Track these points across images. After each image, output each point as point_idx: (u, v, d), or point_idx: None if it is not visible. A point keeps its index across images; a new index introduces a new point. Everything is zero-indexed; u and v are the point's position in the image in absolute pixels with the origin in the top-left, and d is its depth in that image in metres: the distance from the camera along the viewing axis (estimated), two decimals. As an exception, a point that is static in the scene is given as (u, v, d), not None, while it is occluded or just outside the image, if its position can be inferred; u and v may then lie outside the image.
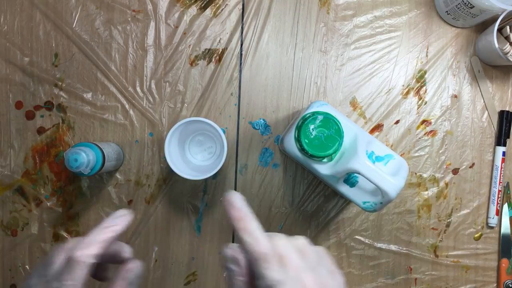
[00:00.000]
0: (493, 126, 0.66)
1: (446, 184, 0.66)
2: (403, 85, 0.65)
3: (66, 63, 0.65)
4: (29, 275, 0.35)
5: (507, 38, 0.62)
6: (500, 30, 0.62)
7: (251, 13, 0.65)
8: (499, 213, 0.65)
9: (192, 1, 0.65)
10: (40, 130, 0.65)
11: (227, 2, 0.65)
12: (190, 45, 0.65)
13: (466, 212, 0.66)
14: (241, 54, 0.65)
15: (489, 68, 0.65)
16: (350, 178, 0.53)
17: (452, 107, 0.66)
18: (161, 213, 0.65)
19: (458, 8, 0.61)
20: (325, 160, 0.51)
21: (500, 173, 0.64)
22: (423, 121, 0.65)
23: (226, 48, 0.65)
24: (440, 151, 0.66)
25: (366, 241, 0.66)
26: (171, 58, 0.65)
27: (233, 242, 0.65)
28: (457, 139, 0.66)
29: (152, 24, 0.65)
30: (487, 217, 0.65)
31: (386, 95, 0.65)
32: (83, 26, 0.65)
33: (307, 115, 0.50)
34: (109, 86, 0.65)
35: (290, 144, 0.52)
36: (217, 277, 0.65)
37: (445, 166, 0.66)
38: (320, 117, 0.49)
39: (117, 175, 0.65)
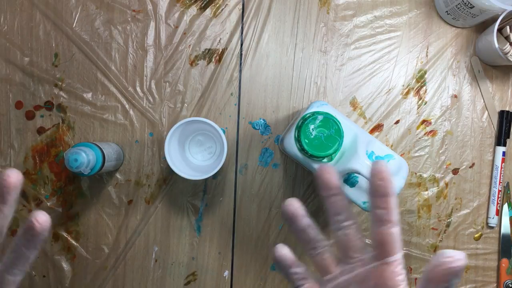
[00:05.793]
0: (493, 126, 0.66)
1: (446, 184, 0.66)
2: (403, 85, 0.65)
3: (66, 63, 0.65)
4: None
5: (507, 38, 0.62)
6: (500, 30, 0.62)
7: (251, 13, 0.65)
8: (499, 213, 0.65)
9: (192, 1, 0.65)
10: (40, 130, 0.65)
11: (227, 2, 0.65)
12: (190, 45, 0.65)
13: (466, 212, 0.66)
14: (241, 54, 0.65)
15: (489, 68, 0.65)
16: (350, 178, 0.53)
17: (452, 107, 0.66)
18: (161, 213, 0.65)
19: (458, 8, 0.61)
20: (325, 160, 0.51)
21: (500, 173, 0.64)
22: (423, 121, 0.65)
23: (226, 48, 0.65)
24: (440, 151, 0.65)
25: (366, 241, 0.65)
26: (171, 58, 0.65)
27: (233, 242, 0.65)
28: (457, 139, 0.66)
29: (152, 24, 0.65)
30: (487, 217, 0.65)
31: (386, 95, 0.65)
32: (83, 26, 0.65)
33: (307, 115, 0.50)
34: (109, 86, 0.65)
35: (290, 144, 0.52)
36: (217, 277, 0.65)
37: (445, 166, 0.66)
38: (320, 117, 0.49)
39: (117, 175, 0.65)
